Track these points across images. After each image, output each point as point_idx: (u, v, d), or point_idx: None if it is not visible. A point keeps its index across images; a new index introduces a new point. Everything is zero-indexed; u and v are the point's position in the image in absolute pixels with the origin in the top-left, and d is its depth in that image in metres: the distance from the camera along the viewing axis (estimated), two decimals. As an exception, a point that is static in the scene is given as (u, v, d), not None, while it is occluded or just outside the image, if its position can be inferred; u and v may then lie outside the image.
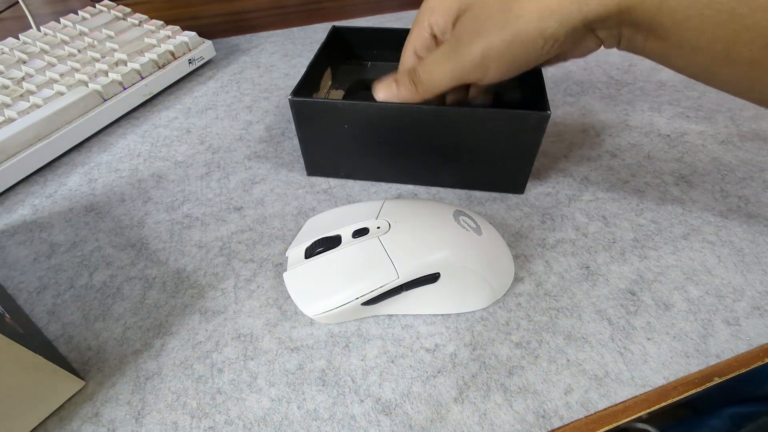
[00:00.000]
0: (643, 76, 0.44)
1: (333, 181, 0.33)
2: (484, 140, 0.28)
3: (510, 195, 0.32)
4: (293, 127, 0.39)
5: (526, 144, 0.28)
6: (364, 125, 0.29)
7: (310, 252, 0.26)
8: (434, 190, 0.32)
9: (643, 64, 0.46)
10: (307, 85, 0.31)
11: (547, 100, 0.27)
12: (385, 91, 0.27)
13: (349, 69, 0.40)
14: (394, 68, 0.39)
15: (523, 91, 0.34)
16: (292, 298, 0.25)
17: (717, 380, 0.22)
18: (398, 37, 0.37)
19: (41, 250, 0.29)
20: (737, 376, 0.23)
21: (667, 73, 0.44)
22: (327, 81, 0.37)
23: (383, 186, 0.33)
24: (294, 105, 0.29)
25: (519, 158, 0.29)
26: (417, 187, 0.33)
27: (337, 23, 0.56)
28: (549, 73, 0.45)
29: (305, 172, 0.34)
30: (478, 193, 0.32)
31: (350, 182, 0.33)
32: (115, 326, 0.25)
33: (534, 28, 0.21)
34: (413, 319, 0.25)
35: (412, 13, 0.58)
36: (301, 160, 0.35)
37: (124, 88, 0.41)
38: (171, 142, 0.38)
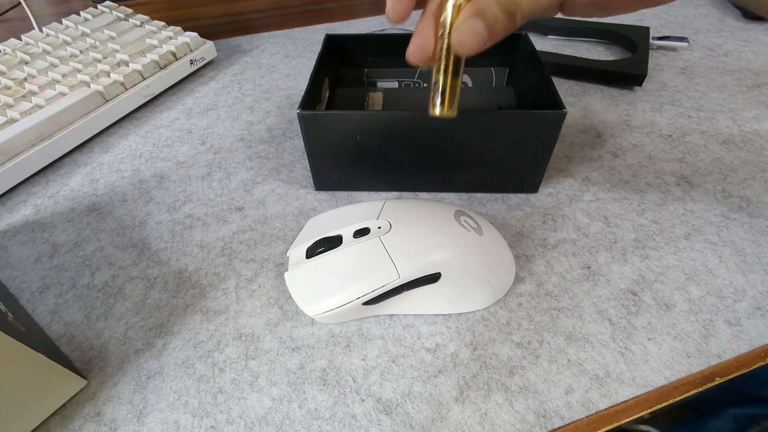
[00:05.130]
0: (644, 76, 0.44)
1: (334, 182, 0.33)
2: (500, 142, 0.28)
3: (510, 195, 0.32)
4: (294, 127, 0.39)
5: (543, 143, 0.28)
6: (377, 135, 0.28)
7: (311, 252, 0.26)
8: (443, 193, 0.32)
9: (645, 64, 0.46)
10: (311, 97, 0.30)
11: (560, 99, 0.27)
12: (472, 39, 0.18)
13: (345, 77, 0.39)
14: (392, 75, 0.39)
15: (531, 94, 0.34)
16: (293, 298, 0.25)
17: (718, 380, 0.22)
18: (393, 43, 0.37)
19: (43, 250, 0.30)
20: (739, 376, 0.23)
21: (668, 74, 0.44)
22: (325, 91, 0.36)
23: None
24: (303, 119, 0.28)
25: (535, 158, 0.29)
26: (429, 193, 0.33)
27: (337, 24, 0.56)
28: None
29: (313, 188, 0.33)
30: (479, 194, 0.32)
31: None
32: (117, 326, 0.25)
33: None
34: (414, 319, 0.25)
35: (414, 14, 0.58)
36: (303, 161, 0.35)
37: (126, 89, 0.41)
38: (172, 143, 0.38)
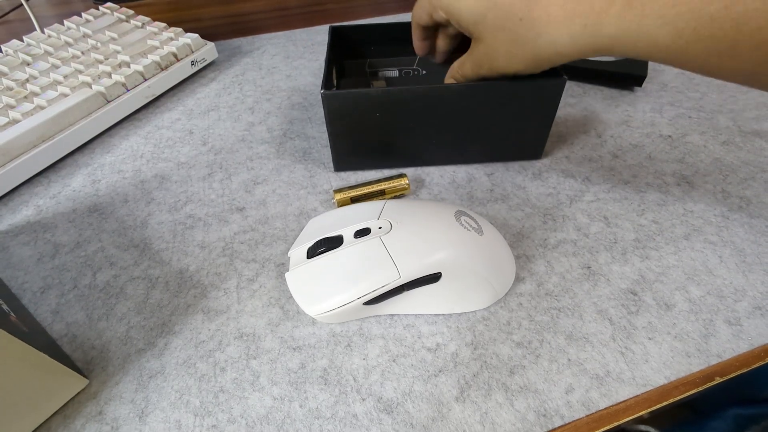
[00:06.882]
0: (644, 76, 0.44)
1: (335, 181, 0.34)
2: (508, 111, 0.31)
3: (511, 195, 0.32)
4: (295, 128, 0.39)
5: (546, 111, 0.31)
6: (396, 111, 0.30)
7: (312, 252, 0.26)
8: (442, 183, 0.33)
9: (644, 65, 0.46)
10: (328, 80, 0.32)
11: (560, 69, 0.29)
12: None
13: (349, 67, 0.40)
14: (392, 64, 0.41)
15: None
16: (294, 298, 0.25)
17: (718, 380, 0.22)
18: (394, 33, 0.38)
19: (45, 251, 0.30)
20: (739, 376, 0.23)
21: (668, 75, 0.44)
22: (333, 80, 0.37)
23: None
24: (326, 99, 0.29)
25: (539, 125, 0.32)
26: (433, 168, 0.34)
27: (338, 25, 0.56)
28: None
29: (332, 168, 0.35)
30: (479, 193, 0.32)
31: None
32: (119, 325, 0.25)
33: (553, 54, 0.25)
34: (415, 318, 0.25)
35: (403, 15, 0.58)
36: (303, 161, 0.36)
37: (127, 90, 0.41)
38: (174, 144, 0.38)
